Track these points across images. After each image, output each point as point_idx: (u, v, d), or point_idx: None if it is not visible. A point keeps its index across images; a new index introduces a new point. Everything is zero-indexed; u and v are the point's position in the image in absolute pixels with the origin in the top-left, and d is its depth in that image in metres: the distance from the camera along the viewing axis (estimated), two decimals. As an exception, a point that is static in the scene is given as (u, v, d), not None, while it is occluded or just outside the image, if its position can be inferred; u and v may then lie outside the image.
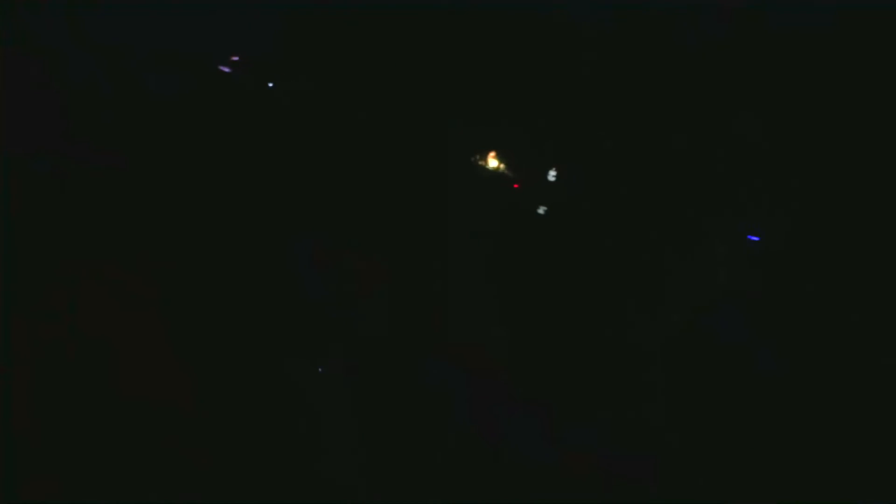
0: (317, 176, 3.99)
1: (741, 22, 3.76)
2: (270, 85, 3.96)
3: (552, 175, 3.87)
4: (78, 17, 3.93)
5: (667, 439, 3.40)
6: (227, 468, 2.85)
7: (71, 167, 3.78)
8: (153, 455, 2.77)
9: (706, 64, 3.82)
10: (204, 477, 2.78)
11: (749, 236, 3.61)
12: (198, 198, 3.86)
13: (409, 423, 3.29)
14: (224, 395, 3.19)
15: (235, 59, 3.94)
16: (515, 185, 3.96)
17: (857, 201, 3.70)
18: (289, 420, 3.15)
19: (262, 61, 4.08)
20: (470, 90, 4.00)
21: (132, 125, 3.97)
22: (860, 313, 3.57)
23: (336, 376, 3.45)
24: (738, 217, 3.80)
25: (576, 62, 3.91)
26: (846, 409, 3.42)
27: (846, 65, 3.65)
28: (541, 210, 3.91)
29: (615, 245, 3.91)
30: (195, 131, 3.98)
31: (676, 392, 3.62)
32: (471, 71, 4.00)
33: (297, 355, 3.52)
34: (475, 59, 4.00)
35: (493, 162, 3.95)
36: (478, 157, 3.95)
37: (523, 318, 3.88)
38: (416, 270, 3.88)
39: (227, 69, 3.94)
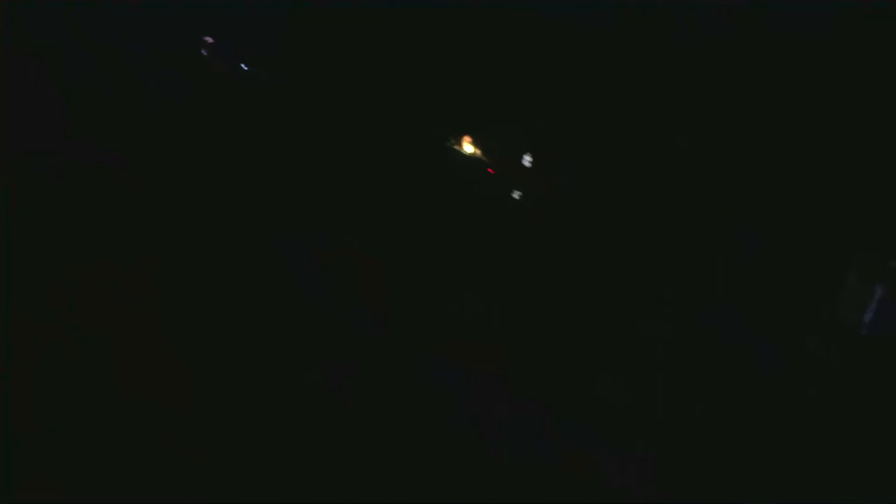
0: (312, 173, 3.98)
1: (741, 22, 3.76)
2: (245, 67, 3.95)
3: (527, 160, 3.87)
4: (78, 17, 3.93)
5: (667, 439, 3.39)
6: (226, 468, 2.84)
7: (71, 167, 3.78)
8: (153, 455, 2.77)
9: (706, 64, 3.82)
10: (204, 477, 2.78)
11: None
12: (198, 198, 3.85)
13: (408, 423, 3.28)
14: (224, 394, 3.19)
15: (210, 40, 3.93)
16: (490, 171, 3.96)
17: (858, 200, 3.69)
18: (288, 419, 3.15)
19: (261, 60, 4.07)
20: (465, 86, 4.00)
21: (132, 125, 3.97)
22: (859, 313, 3.57)
23: (336, 376, 3.45)
24: (739, 216, 3.79)
25: (574, 61, 3.91)
26: (846, 410, 3.42)
27: (846, 65, 3.65)
28: (516, 195, 3.91)
29: (615, 244, 3.90)
30: (195, 131, 3.98)
31: (677, 392, 3.62)
32: (466, 68, 4.00)
33: (296, 355, 3.52)
34: (473, 57, 4.00)
35: (468, 147, 3.95)
36: (453, 142, 3.95)
37: (522, 315, 3.87)
38: (410, 267, 3.87)
39: (205, 52, 3.93)
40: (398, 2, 3.87)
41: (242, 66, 3.91)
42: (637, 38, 3.77)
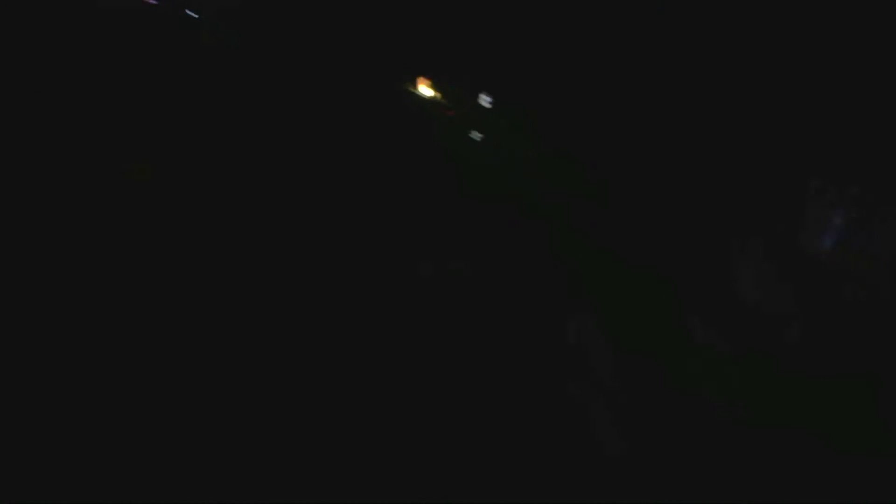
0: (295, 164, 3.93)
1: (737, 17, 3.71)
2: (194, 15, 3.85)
3: (486, 100, 3.79)
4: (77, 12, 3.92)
5: (668, 438, 3.39)
6: (227, 468, 2.85)
7: (71, 167, 3.78)
8: (153, 455, 2.77)
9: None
10: (204, 477, 2.78)
11: None
12: (196, 198, 3.84)
13: (406, 422, 3.28)
14: (224, 394, 3.19)
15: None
16: (449, 112, 3.88)
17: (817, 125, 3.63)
18: (288, 420, 3.15)
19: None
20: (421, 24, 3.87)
21: (134, 125, 3.96)
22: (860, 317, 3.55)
23: (335, 376, 3.45)
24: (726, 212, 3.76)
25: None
26: (845, 409, 3.41)
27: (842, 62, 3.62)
28: (475, 135, 3.84)
29: (610, 233, 3.86)
30: (194, 132, 3.96)
31: (675, 391, 3.61)
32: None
33: (295, 354, 3.51)
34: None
35: (425, 90, 3.86)
36: (410, 84, 3.85)
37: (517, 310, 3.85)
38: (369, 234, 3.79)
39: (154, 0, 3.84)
40: None
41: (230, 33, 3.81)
42: None
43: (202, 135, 3.94)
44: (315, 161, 4.00)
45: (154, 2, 3.83)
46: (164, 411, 3.01)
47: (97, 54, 3.93)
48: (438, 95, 3.88)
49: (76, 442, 2.74)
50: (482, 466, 3.10)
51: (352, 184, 3.95)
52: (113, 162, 3.85)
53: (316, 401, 3.28)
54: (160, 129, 3.94)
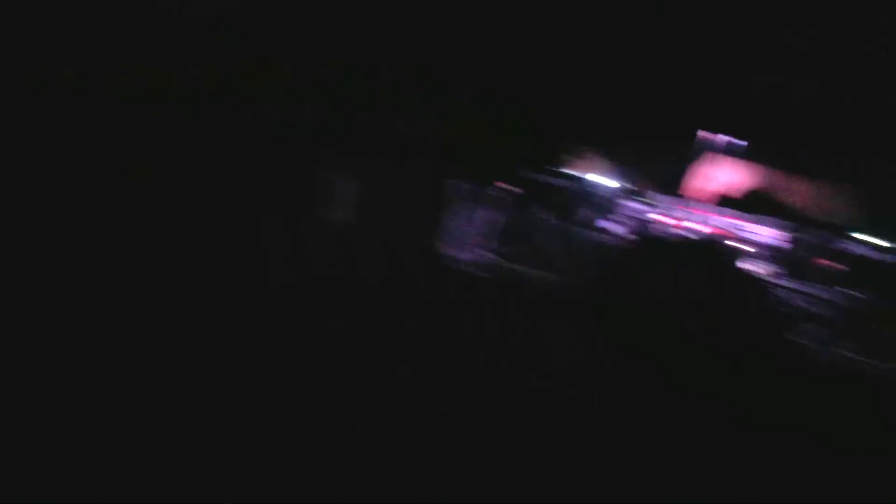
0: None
1: None
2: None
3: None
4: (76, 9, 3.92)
5: (668, 438, 3.39)
6: (226, 468, 2.85)
7: (72, 166, 3.78)
8: (153, 455, 2.77)
9: None
10: (204, 477, 2.78)
11: None
12: (196, 197, 3.85)
13: (405, 420, 3.28)
14: (222, 393, 3.19)
15: None
16: None
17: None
18: (287, 420, 3.15)
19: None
20: None
21: (136, 125, 3.96)
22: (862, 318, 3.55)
23: (333, 375, 3.45)
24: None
25: None
26: (845, 409, 3.41)
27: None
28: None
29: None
30: (194, 132, 3.97)
31: (675, 391, 3.61)
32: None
33: (294, 353, 3.52)
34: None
35: None
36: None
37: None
38: None
39: None
40: None
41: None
42: None
43: (201, 135, 3.95)
44: (311, 159, 4.00)
45: None
46: (164, 410, 3.01)
47: (97, 55, 3.93)
48: None
49: (76, 442, 2.74)
50: (481, 466, 3.10)
51: (348, 182, 3.96)
52: (113, 162, 3.85)
53: (310, 396, 3.29)
54: (160, 129, 3.95)
